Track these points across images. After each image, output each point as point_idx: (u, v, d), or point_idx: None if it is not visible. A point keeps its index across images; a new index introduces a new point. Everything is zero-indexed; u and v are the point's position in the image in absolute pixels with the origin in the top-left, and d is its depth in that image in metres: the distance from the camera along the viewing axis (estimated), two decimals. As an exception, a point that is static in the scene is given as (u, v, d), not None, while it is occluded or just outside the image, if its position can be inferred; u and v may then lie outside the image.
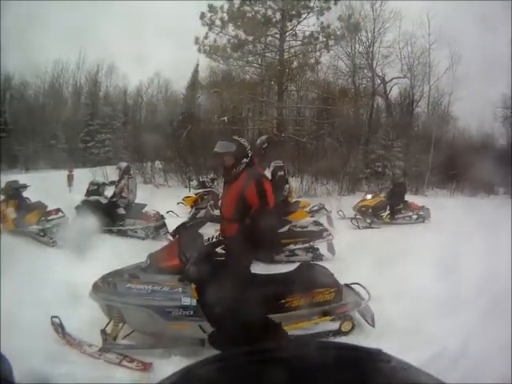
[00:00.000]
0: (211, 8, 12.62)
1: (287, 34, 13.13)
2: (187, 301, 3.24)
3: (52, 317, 3.50)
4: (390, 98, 15.75)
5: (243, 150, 3.47)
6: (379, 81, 15.33)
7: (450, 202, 12.31)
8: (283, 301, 3.39)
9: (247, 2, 12.80)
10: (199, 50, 12.89)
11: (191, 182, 12.57)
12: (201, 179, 11.34)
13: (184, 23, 12.57)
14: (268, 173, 5.68)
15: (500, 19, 11.32)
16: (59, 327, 3.45)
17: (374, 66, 14.97)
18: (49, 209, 6.97)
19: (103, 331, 3.37)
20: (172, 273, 3.35)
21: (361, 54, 15.03)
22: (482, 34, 11.91)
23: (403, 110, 16.01)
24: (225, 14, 12.71)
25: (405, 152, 14.42)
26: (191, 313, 3.23)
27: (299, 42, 13.22)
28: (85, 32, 13.33)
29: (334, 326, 3.60)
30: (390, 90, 15.60)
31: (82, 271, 4.29)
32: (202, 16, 12.57)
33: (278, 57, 13.38)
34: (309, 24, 12.87)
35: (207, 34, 12.75)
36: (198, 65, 15.95)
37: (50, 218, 6.80)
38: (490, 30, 11.78)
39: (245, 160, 3.46)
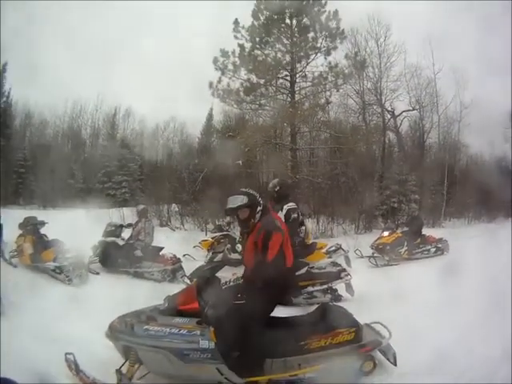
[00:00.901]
0: (223, 53, 13.10)
1: (297, 75, 13.54)
2: (205, 344, 3.22)
3: (66, 353, 3.49)
4: (400, 131, 15.92)
5: (255, 200, 3.52)
6: (389, 115, 15.55)
7: (468, 231, 12.11)
8: (303, 343, 3.34)
9: (257, 46, 13.31)
10: (213, 95, 13.27)
11: (207, 226, 12.69)
12: (217, 222, 11.44)
13: (198, 68, 13.15)
14: (282, 216, 5.71)
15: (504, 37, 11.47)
16: (73, 364, 3.44)
17: (383, 101, 15.23)
18: (66, 247, 7.07)
19: (118, 371, 3.35)
20: (190, 316, 3.36)
21: (369, 90, 15.33)
22: (484, 54, 12.15)
23: (414, 143, 16.13)
24: (236, 59, 13.17)
25: (419, 185, 14.36)
26: (209, 356, 3.20)
27: (309, 83, 13.60)
28: (104, 76, 13.78)
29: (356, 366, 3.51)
30: (401, 123, 15.82)
31: (99, 311, 4.30)
32: (215, 61, 13.03)
33: (289, 99, 13.71)
34: (317, 64, 13.31)
35: (220, 78, 13.16)
36: (212, 109, 16.47)
37: (66, 255, 6.91)
38: (493, 48, 12.03)
39: (259, 209, 3.52)
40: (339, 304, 4.55)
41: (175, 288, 4.81)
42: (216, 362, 3.20)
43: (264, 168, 14.83)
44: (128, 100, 16.56)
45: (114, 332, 3.43)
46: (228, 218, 10.55)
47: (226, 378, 3.23)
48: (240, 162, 13.61)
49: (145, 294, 5.46)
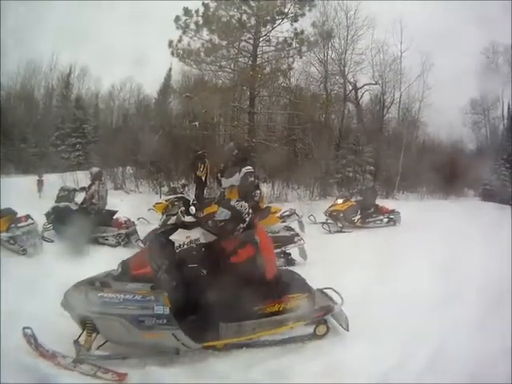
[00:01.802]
0: (186, 11, 12.58)
1: (261, 39, 13.23)
2: (160, 309, 3.20)
3: (24, 328, 3.39)
4: (361, 104, 16.13)
5: (239, 216, 3.58)
6: (351, 87, 15.67)
7: (421, 206, 12.70)
8: (256, 307, 3.41)
9: (222, 7, 12.82)
10: (172, 54, 12.81)
11: (162, 188, 12.47)
12: (172, 185, 11.28)
13: (158, 26, 12.57)
14: (238, 179, 5.69)
15: (475, 25, 11.75)
16: (32, 338, 3.34)
17: (346, 72, 15.27)
18: (18, 215, 6.71)
19: (76, 342, 3.29)
20: (144, 281, 3.32)
21: (333, 60, 15.29)
22: (452, 40, 12.44)
23: (374, 116, 16.41)
24: (200, 18, 12.68)
25: (375, 157, 14.75)
26: (164, 321, 3.19)
27: (272, 48, 13.37)
28: (58, 32, 12.95)
29: (309, 330, 3.65)
30: (362, 96, 16.00)
31: (52, 280, 4.20)
32: (177, 19, 12.52)
33: (250, 62, 13.44)
34: (282, 30, 13.03)
35: (181, 37, 12.68)
36: (170, 69, 15.89)
37: (19, 224, 6.55)
38: (461, 36, 12.32)
39: (241, 226, 3.59)
40: (292, 268, 4.63)
41: (130, 253, 4.74)
42: (172, 328, 3.20)
43: (221, 131, 14.68)
44: (83, 59, 15.64)
45: (69, 301, 3.34)
46: (183, 181, 10.46)
47: (182, 344, 3.26)
48: (196, 123, 13.34)
49: (99, 259, 5.40)
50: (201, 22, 12.70)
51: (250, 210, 3.69)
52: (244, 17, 13.01)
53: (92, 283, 3.40)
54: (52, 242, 7.18)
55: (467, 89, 13.93)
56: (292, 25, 12.98)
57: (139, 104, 17.12)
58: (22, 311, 3.72)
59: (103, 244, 7.29)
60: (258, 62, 13.38)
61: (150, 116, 15.66)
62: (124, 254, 4.83)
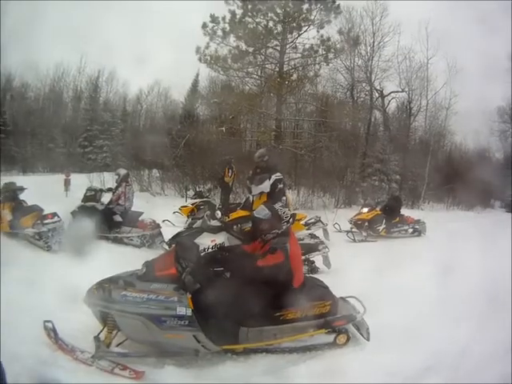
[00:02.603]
0: (213, 18, 12.77)
1: (288, 46, 13.30)
2: (183, 310, 3.22)
3: (45, 321, 3.46)
4: (387, 111, 15.96)
5: (278, 221, 3.57)
6: (377, 94, 15.54)
7: (447, 216, 12.39)
8: (279, 313, 3.39)
9: (249, 14, 12.93)
10: (200, 60, 13.01)
11: (188, 192, 12.58)
12: (198, 189, 11.39)
13: (186, 32, 12.76)
14: (268, 185, 5.68)
15: (500, 32, 11.49)
16: (52, 332, 3.42)
17: (373, 79, 15.19)
18: (45, 213, 6.89)
19: (96, 338, 3.34)
20: (168, 282, 3.34)
21: (359, 67, 15.25)
22: (480, 47, 12.18)
23: (400, 124, 16.18)
24: (226, 25, 12.86)
25: (401, 166, 14.52)
26: (186, 323, 3.21)
27: (299, 55, 13.40)
28: (87, 36, 13.44)
29: (329, 338, 3.59)
30: (388, 103, 15.88)
31: (77, 277, 4.21)
32: (204, 26, 12.72)
33: (277, 69, 13.51)
34: (309, 37, 13.06)
35: (208, 43, 12.88)
36: (198, 74, 16.13)
37: (45, 221, 6.72)
38: (489, 43, 12.05)
39: (276, 231, 3.56)
40: (316, 276, 4.59)
41: (154, 254, 4.79)
42: (193, 330, 3.22)
43: (247, 136, 14.79)
44: (112, 63, 15.99)
45: (91, 298, 3.39)
46: (209, 185, 10.51)
47: (202, 346, 3.26)
48: (223, 128, 13.46)
49: (124, 259, 5.45)
50: (228, 28, 12.87)
51: (291, 220, 3.68)
52: (271, 24, 13.14)
53: (116, 282, 3.44)
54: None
55: (494, 96, 13.58)
56: (318, 32, 13.05)
57: (166, 108, 17.42)
58: (43, 305, 3.79)
59: (128, 244, 7.35)
60: (284, 69, 13.45)
61: (177, 120, 15.87)
62: (148, 255, 4.88)
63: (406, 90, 15.42)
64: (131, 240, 7.40)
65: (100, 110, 16.70)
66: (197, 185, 12.63)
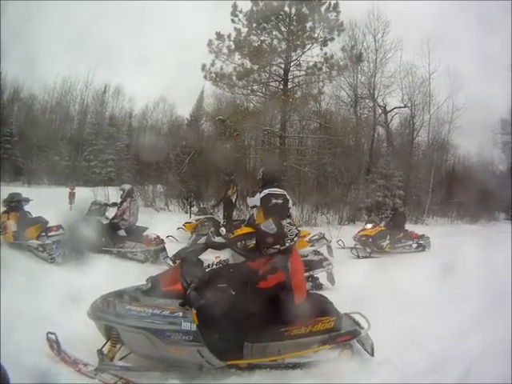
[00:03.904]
0: (219, 36, 12.96)
1: (292, 63, 13.48)
2: (187, 326, 3.23)
3: (48, 333, 3.47)
4: (390, 127, 16.07)
5: (281, 238, 3.55)
6: (380, 110, 15.68)
7: (451, 231, 12.33)
8: (283, 329, 3.39)
9: (254, 32, 13.16)
10: (205, 77, 13.16)
11: (192, 208, 12.63)
12: (202, 205, 11.44)
13: (191, 49, 13.10)
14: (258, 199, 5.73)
15: (503, 44, 11.63)
16: (55, 343, 3.43)
17: (376, 95, 15.41)
18: (49, 225, 6.97)
19: (100, 351, 3.34)
20: (173, 297, 3.36)
21: (363, 84, 15.47)
22: (483, 58, 12.29)
23: (404, 140, 16.28)
24: (232, 43, 13.04)
25: (405, 181, 14.53)
26: (191, 338, 3.22)
27: (303, 72, 13.57)
28: (93, 50, 13.71)
29: (334, 354, 3.56)
30: (391, 119, 16.03)
31: (80, 290, 4.23)
32: (210, 43, 12.88)
33: (282, 86, 13.65)
34: (313, 54, 13.25)
35: (214, 61, 13.03)
36: (203, 91, 16.40)
37: (50, 233, 6.79)
38: (492, 54, 12.17)
39: (278, 247, 3.54)
40: (320, 292, 4.58)
41: (158, 269, 4.79)
42: (197, 345, 3.22)
43: (252, 154, 14.85)
44: (118, 78, 16.38)
45: (95, 311, 3.41)
46: (213, 201, 10.52)
47: (206, 361, 3.26)
48: (228, 146, 13.52)
49: (127, 273, 5.50)
50: (233, 46, 13.05)
51: (296, 238, 3.67)
52: (275, 42, 13.36)
53: (120, 296, 3.46)
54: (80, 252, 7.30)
55: (498, 108, 13.63)
56: (322, 49, 13.23)
57: (172, 124, 17.64)
58: (46, 317, 3.83)
59: (132, 259, 7.39)
60: (289, 87, 13.61)
61: (182, 137, 16.00)
62: (152, 270, 4.89)
63: (409, 105, 15.65)
64: (135, 255, 7.44)
65: (106, 125, 16.94)
66: (201, 201, 12.69)
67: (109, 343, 3.39)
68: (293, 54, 13.41)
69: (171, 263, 6.14)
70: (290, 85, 13.65)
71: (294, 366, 3.46)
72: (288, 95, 13.29)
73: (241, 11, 13.00)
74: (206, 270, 3.62)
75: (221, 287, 3.50)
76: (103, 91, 17.52)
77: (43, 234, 6.76)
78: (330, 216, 13.42)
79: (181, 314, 3.26)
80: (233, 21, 12.98)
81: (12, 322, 3.65)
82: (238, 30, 13.05)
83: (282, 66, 13.54)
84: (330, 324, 3.51)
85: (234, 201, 9.51)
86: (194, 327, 3.23)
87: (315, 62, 13.17)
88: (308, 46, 13.22)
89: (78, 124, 17.23)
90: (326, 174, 14.71)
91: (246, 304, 3.32)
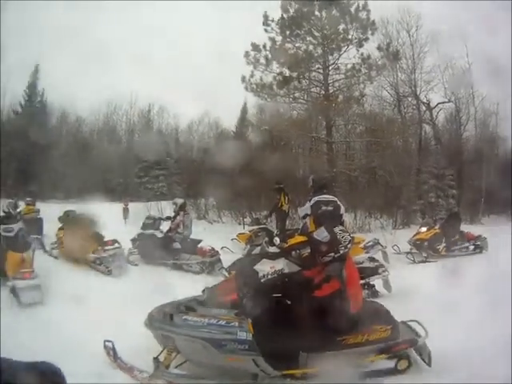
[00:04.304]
0: (254, 46, 13.00)
1: (330, 67, 13.32)
2: (243, 335, 3.26)
3: (105, 341, 3.65)
4: (437, 124, 15.35)
5: (335, 245, 3.51)
6: (424, 107, 15.02)
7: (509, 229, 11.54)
8: (338, 339, 3.33)
9: (288, 39, 13.10)
10: (246, 89, 13.28)
11: (245, 219, 12.66)
12: (254, 216, 11.48)
13: (230, 62, 13.07)
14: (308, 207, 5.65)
15: None
16: (111, 351, 3.60)
17: (418, 92, 14.74)
18: (105, 239, 7.33)
19: (156, 359, 3.45)
20: (229, 307, 3.43)
21: (403, 82, 14.86)
22: None
23: (451, 136, 15.52)
24: (268, 52, 13.06)
25: (457, 179, 13.84)
26: (246, 347, 3.24)
27: (342, 76, 13.35)
28: (138, 72, 14.13)
29: (390, 364, 3.47)
30: (437, 116, 15.26)
31: (136, 300, 4.47)
32: (247, 55, 12.97)
33: (323, 92, 13.49)
34: (350, 56, 13.06)
35: (253, 72, 13.12)
36: (245, 103, 16.51)
37: (106, 248, 7.15)
38: None
39: (333, 254, 3.50)
40: (376, 300, 4.46)
41: (214, 280, 4.86)
42: (252, 354, 3.24)
43: (300, 161, 14.60)
44: (162, 96, 16.57)
45: (152, 321, 3.52)
46: (265, 212, 10.49)
47: (261, 370, 3.27)
48: (276, 155, 13.40)
49: (182, 285, 5.56)
50: (269, 56, 13.07)
51: (349, 245, 3.62)
52: (310, 47, 13.25)
53: (177, 306, 3.57)
54: (136, 265, 7.64)
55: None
56: (358, 50, 13.02)
57: (218, 137, 17.80)
58: (104, 326, 3.99)
59: (187, 271, 7.56)
60: (330, 91, 13.43)
61: (229, 149, 16.11)
62: (208, 281, 4.98)
63: (453, 99, 14.88)
64: (190, 267, 7.60)
65: (153, 142, 17.29)
66: (253, 212, 12.62)
67: (165, 351, 3.48)
68: (330, 57, 13.29)
69: (227, 274, 6.17)
70: (331, 89, 13.48)
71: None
72: (330, 100, 13.16)
73: (272, 20, 13.05)
74: (261, 280, 3.56)
75: (276, 297, 3.53)
76: (148, 110, 18.21)
77: (99, 248, 7.12)
78: (384, 221, 12.93)
79: (236, 323, 3.30)
80: (266, 30, 13.03)
81: (71, 330, 3.90)
82: (272, 39, 13.08)
83: (321, 71, 13.41)
84: (386, 333, 3.41)
85: (286, 210, 9.49)
86: (249, 337, 3.25)
87: (353, 64, 13.01)
88: (344, 49, 13.08)
89: (125, 143, 18.00)
90: (376, 177, 14.28)
91: (301, 313, 3.31)
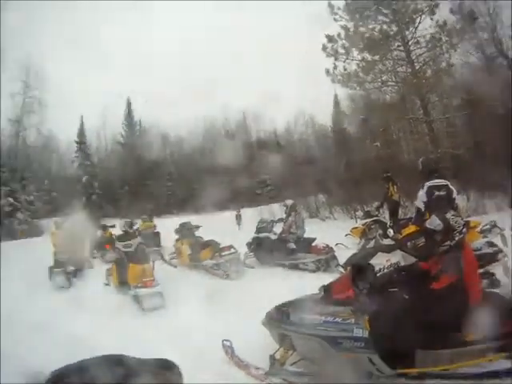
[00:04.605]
0: (329, 38, 12.57)
1: (410, 43, 12.26)
2: (359, 332, 3.16)
3: (223, 340, 3.87)
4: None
5: (450, 232, 3.28)
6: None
7: None
8: (455, 335, 3.01)
9: (360, 23, 12.41)
10: (333, 81, 12.89)
11: (356, 213, 12.29)
12: (366, 209, 11.03)
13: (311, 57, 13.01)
14: (423, 194, 5.24)
15: None
16: (229, 349, 3.80)
17: (505, 50, 12.63)
18: (222, 245, 7.69)
19: (272, 356, 3.55)
20: (345, 304, 3.36)
21: (487, 41, 12.88)
22: None
23: None
24: (344, 41, 12.55)
25: None
26: (362, 344, 3.13)
27: (424, 49, 12.22)
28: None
29: (506, 364, 2.91)
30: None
31: (254, 301, 4.71)
32: (324, 47, 12.61)
33: (409, 69, 12.46)
34: (426, 27, 11.96)
35: (335, 64, 12.70)
36: (336, 95, 16.18)
37: (223, 253, 7.50)
38: None
39: (449, 243, 3.26)
40: (497, 291, 3.99)
41: (330, 278, 4.82)
42: (368, 352, 3.10)
43: (403, 146, 13.64)
44: (254, 103, 17.17)
45: (270, 320, 3.65)
46: (376, 203, 10.04)
47: (376, 369, 3.11)
48: (378, 143, 12.90)
49: (299, 284, 5.71)
50: (347, 44, 12.53)
51: (464, 229, 3.34)
52: (384, 26, 12.36)
53: (295, 305, 3.64)
54: (253, 268, 7.88)
55: None
56: (432, 19, 11.83)
57: (316, 134, 17.68)
58: (224, 325, 4.27)
59: (304, 270, 7.53)
60: (416, 68, 12.33)
61: (328, 144, 15.84)
62: (324, 278, 4.95)
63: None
64: (306, 265, 7.55)
65: (254, 148, 17.99)
66: (364, 204, 12.11)
67: (281, 349, 3.58)
68: (406, 33, 12.19)
69: (343, 270, 5.91)
70: (416, 66, 12.34)
71: (466, 377, 2.97)
72: (419, 77, 12.03)
73: (339, 8, 12.51)
74: (377, 275, 3.46)
75: (393, 291, 3.36)
76: (243, 119, 18.87)
77: (217, 254, 7.52)
78: (499, 200, 11.04)
79: (353, 320, 3.22)
80: (335, 20, 12.53)
81: (190, 331, 4.23)
82: (344, 27, 12.49)
83: (402, 48, 12.35)
84: (506, 328, 2.93)
85: (397, 199, 9.02)
86: (365, 334, 3.14)
87: (432, 35, 11.82)
88: (417, 20, 11.94)
89: (229, 152, 18.58)
90: (483, 153, 12.28)
91: (418, 308, 3.08)
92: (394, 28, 12.40)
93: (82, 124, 17.99)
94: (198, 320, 4.52)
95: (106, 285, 7.00)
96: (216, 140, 18.96)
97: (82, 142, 18.08)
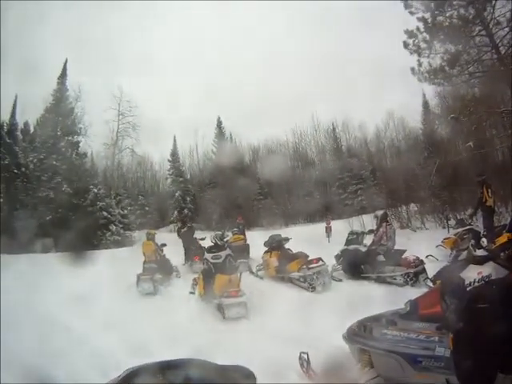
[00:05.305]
0: (409, 34, 11.86)
1: (491, 25, 10.91)
2: (441, 351, 2.97)
3: (301, 352, 3.82)
4: None
5: None
6: None
7: None
8: None
9: (436, 12, 11.46)
10: (419, 80, 12.12)
11: (449, 222, 11.26)
12: (458, 217, 10.20)
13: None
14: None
15: None
16: (305, 362, 3.73)
17: None
18: (310, 258, 7.63)
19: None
20: (431, 321, 3.18)
21: None
22: None
23: None
24: (424, 34, 11.72)
25: None
26: (442, 364, 2.93)
27: (507, 30, 10.73)
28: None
29: None
30: None
31: (336, 315, 4.62)
32: (405, 44, 11.93)
33: (495, 56, 11.11)
34: (504, 4, 10.47)
35: (419, 60, 11.92)
36: (424, 94, 15.19)
37: (310, 266, 7.43)
38: None
39: None
40: None
41: (417, 292, 4.60)
42: (447, 372, 2.89)
43: (498, 144, 12.01)
44: (345, 110, 16.80)
45: (351, 335, 3.57)
46: (469, 210, 9.16)
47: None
48: (470, 143, 11.64)
49: (386, 298, 5.46)
50: (427, 37, 11.69)
51: None
52: (461, 10, 11.19)
53: (378, 320, 3.54)
54: (340, 281, 7.68)
55: None
56: None
57: (407, 138, 16.73)
58: (303, 338, 4.23)
59: (391, 283, 7.21)
60: (502, 53, 10.92)
61: (420, 148, 14.89)
62: (411, 292, 4.76)
63: None
64: (394, 279, 7.23)
65: (345, 158, 17.49)
66: (457, 212, 11.16)
67: (359, 365, 3.46)
68: (485, 14, 10.87)
69: (431, 284, 5.69)
70: (502, 50, 10.93)
71: None
72: (506, 63, 10.59)
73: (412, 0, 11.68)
74: (468, 289, 3.12)
75: (481, 307, 2.98)
76: (332, 129, 18.54)
77: (304, 266, 7.48)
78: None
79: (437, 338, 3.06)
80: (411, 13, 11.71)
81: (271, 343, 4.28)
82: (422, 19, 11.64)
83: (484, 32, 11.07)
84: None
85: (491, 205, 8.16)
86: (447, 353, 2.93)
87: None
88: None
89: (319, 164, 18.50)
90: None
91: (507, 328, 2.70)
92: (471, 11, 11.18)
93: (174, 143, 19.04)
94: (277, 331, 4.62)
95: (191, 293, 7.24)
96: (305, 153, 18.97)
97: (175, 160, 19.06)
